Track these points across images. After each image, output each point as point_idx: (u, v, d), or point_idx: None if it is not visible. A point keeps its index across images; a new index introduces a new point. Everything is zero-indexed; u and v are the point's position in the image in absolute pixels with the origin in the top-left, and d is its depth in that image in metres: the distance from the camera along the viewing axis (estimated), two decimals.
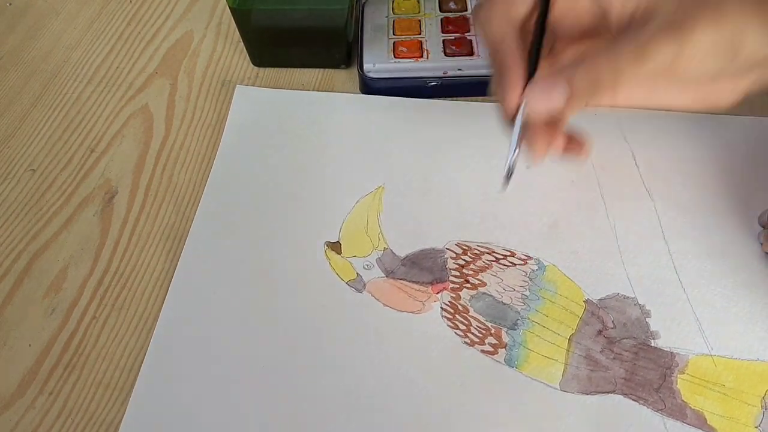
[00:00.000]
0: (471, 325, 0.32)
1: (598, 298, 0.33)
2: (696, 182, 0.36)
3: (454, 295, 0.33)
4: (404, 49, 0.42)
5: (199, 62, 0.46)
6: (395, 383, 0.30)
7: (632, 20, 0.28)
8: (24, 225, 0.37)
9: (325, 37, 0.42)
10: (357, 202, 0.37)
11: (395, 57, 0.42)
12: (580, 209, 0.35)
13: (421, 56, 0.42)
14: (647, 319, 0.32)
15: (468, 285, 0.33)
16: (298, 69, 0.44)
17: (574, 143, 0.32)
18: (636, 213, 0.35)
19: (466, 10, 0.44)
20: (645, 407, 0.29)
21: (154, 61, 0.46)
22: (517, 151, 0.29)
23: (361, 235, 0.35)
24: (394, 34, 0.43)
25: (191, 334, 0.32)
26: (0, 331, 0.33)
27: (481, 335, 0.32)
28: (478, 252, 0.34)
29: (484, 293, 0.33)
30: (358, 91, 0.43)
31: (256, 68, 0.45)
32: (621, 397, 0.30)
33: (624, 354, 0.31)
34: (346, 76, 0.44)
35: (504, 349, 0.31)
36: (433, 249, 0.35)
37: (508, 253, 0.34)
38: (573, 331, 0.32)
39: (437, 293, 0.33)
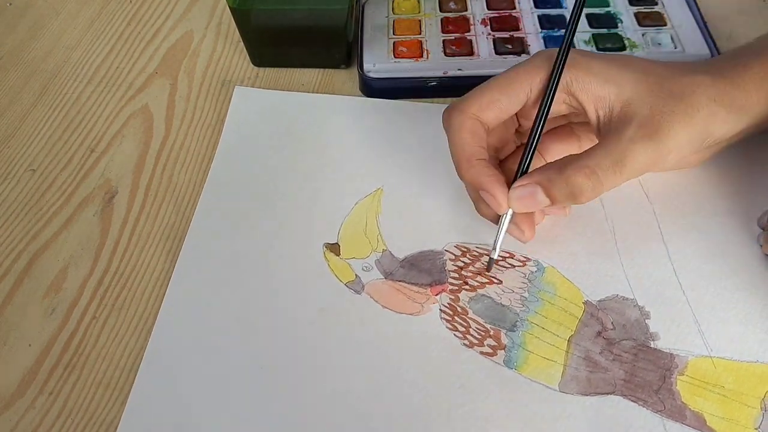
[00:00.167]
0: (470, 327, 0.32)
1: (598, 299, 0.32)
2: (695, 183, 0.36)
3: (453, 297, 0.33)
4: (404, 49, 0.42)
5: (199, 62, 0.46)
6: (394, 385, 0.30)
7: (609, 122, 0.30)
8: (24, 225, 0.38)
9: (325, 37, 0.42)
10: (356, 203, 0.37)
11: (395, 57, 0.42)
12: (579, 211, 0.35)
13: (421, 56, 0.42)
14: (646, 321, 0.32)
15: (467, 287, 0.33)
16: (298, 69, 0.44)
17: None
18: (635, 214, 0.35)
19: (466, 10, 0.44)
20: (644, 408, 0.29)
21: (154, 61, 0.46)
22: (500, 242, 0.32)
23: (360, 236, 0.35)
24: (394, 34, 0.43)
25: (189, 334, 0.32)
26: (0, 331, 0.34)
27: (480, 337, 0.32)
28: (477, 254, 0.34)
29: (483, 295, 0.33)
30: (358, 91, 0.43)
31: (256, 68, 0.45)
32: (620, 398, 0.30)
33: (623, 355, 0.31)
34: (346, 76, 0.44)
35: (503, 351, 0.31)
36: (432, 251, 0.35)
37: (507, 255, 0.34)
38: (572, 333, 0.31)
39: (436, 295, 0.33)
